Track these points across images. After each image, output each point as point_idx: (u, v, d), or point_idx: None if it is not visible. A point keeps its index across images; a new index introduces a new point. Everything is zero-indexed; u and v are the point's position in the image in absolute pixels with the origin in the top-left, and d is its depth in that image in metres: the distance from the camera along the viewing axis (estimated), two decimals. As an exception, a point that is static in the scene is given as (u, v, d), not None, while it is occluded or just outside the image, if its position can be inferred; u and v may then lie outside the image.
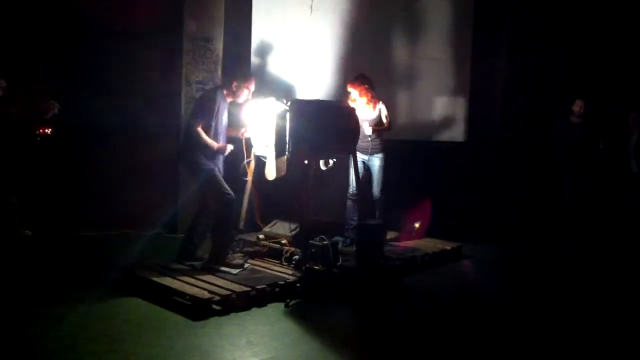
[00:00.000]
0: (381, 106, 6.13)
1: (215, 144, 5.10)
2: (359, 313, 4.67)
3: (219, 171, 5.19)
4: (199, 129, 5.03)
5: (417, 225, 6.66)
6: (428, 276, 5.67)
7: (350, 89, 6.06)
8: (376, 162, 6.17)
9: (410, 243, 6.35)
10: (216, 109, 5.09)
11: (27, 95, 5.13)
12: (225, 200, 5.05)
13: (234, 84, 5.23)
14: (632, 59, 8.01)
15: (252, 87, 5.27)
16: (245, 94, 5.25)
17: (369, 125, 6.01)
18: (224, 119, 5.24)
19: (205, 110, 5.11)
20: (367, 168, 6.21)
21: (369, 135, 6.03)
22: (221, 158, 5.25)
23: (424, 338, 4.17)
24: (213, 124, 5.09)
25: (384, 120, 6.12)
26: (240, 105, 5.36)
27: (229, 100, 5.26)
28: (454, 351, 3.96)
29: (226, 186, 5.11)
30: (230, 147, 5.24)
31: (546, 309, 4.83)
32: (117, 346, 3.75)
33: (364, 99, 6.04)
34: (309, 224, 5.25)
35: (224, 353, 3.76)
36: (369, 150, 6.11)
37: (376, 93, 6.14)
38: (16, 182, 4.78)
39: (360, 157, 6.05)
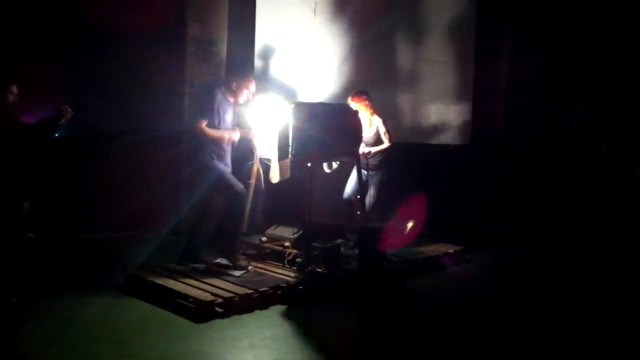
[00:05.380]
0: (378, 122, 6.02)
1: (224, 133, 5.10)
2: (361, 315, 4.68)
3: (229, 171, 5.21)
4: (203, 127, 5.02)
5: (410, 223, 6.64)
6: (430, 279, 5.67)
7: (351, 102, 5.94)
8: (372, 179, 6.07)
9: (415, 248, 6.32)
10: (216, 107, 5.08)
11: (40, 101, 5.13)
12: (236, 196, 5.07)
13: (234, 84, 5.24)
14: (634, 62, 8.00)
15: (253, 87, 5.28)
16: (246, 95, 5.25)
17: (369, 151, 5.94)
18: (228, 118, 5.23)
19: (203, 107, 5.11)
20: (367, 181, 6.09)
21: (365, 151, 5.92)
22: (229, 158, 5.24)
23: (426, 341, 4.17)
24: (217, 122, 5.07)
25: (383, 137, 6.02)
26: (246, 106, 5.37)
27: (231, 100, 5.26)
28: (456, 354, 3.97)
29: (237, 181, 5.13)
30: (238, 134, 5.24)
31: (548, 312, 4.83)
32: (120, 348, 3.76)
33: (366, 114, 5.93)
34: (311, 226, 5.26)
35: (226, 355, 3.77)
36: (367, 167, 6.00)
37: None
38: (29, 188, 4.80)
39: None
